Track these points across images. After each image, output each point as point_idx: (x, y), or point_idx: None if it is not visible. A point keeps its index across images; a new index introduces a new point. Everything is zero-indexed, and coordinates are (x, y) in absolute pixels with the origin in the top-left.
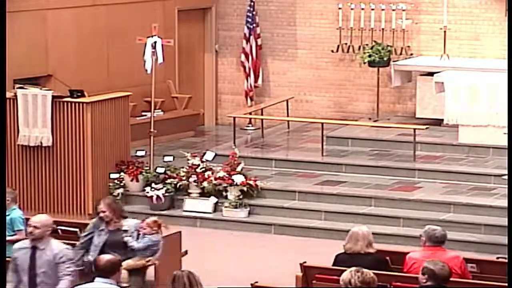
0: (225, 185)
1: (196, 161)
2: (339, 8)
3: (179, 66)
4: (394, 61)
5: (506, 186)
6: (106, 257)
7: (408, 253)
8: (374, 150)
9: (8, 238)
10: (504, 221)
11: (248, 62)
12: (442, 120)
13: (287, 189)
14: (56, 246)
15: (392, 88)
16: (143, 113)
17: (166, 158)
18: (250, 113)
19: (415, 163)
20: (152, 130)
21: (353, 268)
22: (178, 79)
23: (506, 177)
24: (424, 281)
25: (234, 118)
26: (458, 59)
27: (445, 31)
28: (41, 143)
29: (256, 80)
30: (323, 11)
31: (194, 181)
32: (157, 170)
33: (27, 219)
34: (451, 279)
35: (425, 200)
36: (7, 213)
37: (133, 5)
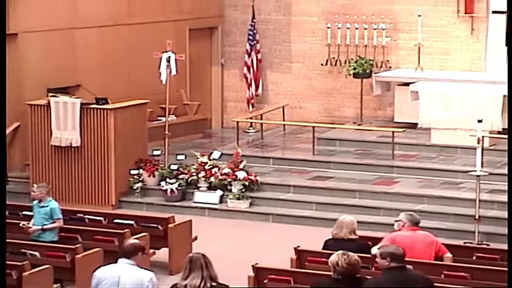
0: (230, 180)
1: (205, 159)
2: (328, 28)
3: (190, 77)
4: (375, 73)
5: (472, 181)
6: (129, 240)
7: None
8: (358, 150)
9: (48, 225)
10: (470, 211)
11: (250, 73)
12: (417, 124)
13: (283, 183)
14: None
15: (373, 96)
16: (159, 118)
17: (179, 157)
18: (251, 118)
19: (393, 161)
20: (166, 132)
21: (340, 252)
22: (189, 89)
23: (472, 173)
24: (387, 263)
25: (238, 122)
26: (431, 71)
27: (419, 47)
28: (70, 143)
29: (256, 89)
30: (314, 30)
31: (203, 177)
32: (170, 167)
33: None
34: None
35: (402, 193)
36: (45, 204)
37: (150, 25)
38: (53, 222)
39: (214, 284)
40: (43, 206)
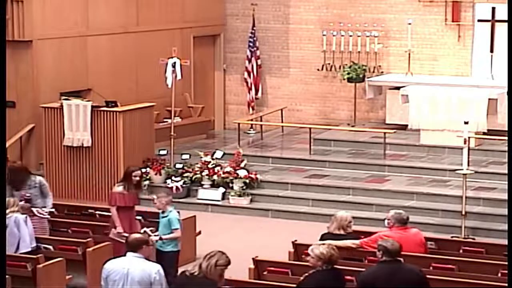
0: (231, 178)
1: (208, 158)
2: (324, 35)
3: (194, 82)
4: (368, 78)
5: (459, 178)
6: (134, 235)
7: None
8: (351, 149)
9: (166, 236)
10: (457, 207)
11: (250, 78)
12: (407, 125)
13: (282, 181)
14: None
15: (366, 100)
16: (165, 120)
17: (184, 156)
18: (252, 120)
19: (385, 160)
20: (172, 133)
21: (321, 246)
22: (193, 92)
23: (459, 171)
24: (380, 256)
25: (239, 123)
26: (420, 76)
27: (409, 53)
28: (82, 144)
29: (256, 93)
30: (311, 37)
31: (206, 175)
32: (176, 166)
33: (73, 206)
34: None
35: (393, 190)
36: (165, 215)
37: (157, 33)
38: (171, 233)
39: (200, 275)
40: (164, 217)
